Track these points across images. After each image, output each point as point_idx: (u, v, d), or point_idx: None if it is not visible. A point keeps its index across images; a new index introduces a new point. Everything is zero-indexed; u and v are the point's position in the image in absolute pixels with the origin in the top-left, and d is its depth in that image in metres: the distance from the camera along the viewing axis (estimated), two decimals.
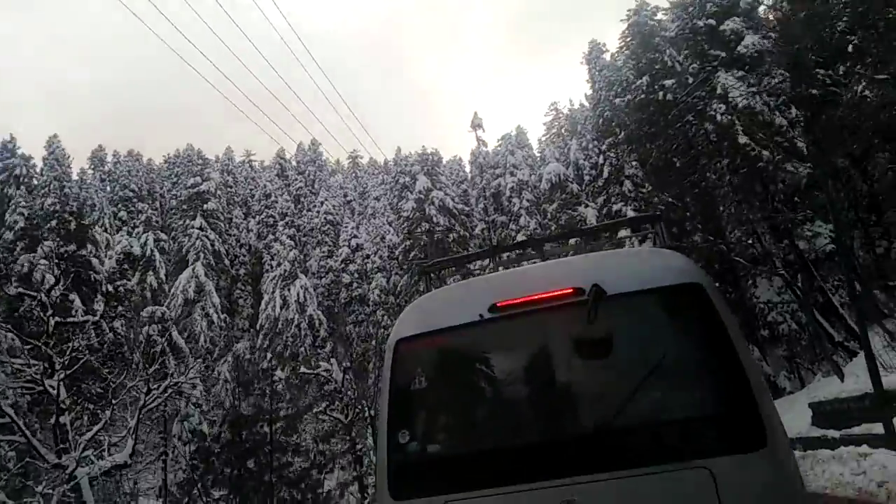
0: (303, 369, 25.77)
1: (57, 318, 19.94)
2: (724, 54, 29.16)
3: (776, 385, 27.43)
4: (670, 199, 28.90)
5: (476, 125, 57.81)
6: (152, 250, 48.22)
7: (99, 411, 20.59)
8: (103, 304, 23.72)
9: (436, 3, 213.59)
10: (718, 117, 27.70)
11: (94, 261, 29.08)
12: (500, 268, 5.78)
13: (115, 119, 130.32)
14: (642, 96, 32.64)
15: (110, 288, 28.56)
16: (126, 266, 40.12)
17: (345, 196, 73.37)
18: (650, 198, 33.39)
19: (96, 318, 22.65)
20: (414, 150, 61.01)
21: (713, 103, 28.18)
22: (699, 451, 3.12)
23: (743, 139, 26.72)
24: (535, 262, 5.35)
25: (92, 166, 73.90)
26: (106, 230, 52.33)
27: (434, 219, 49.09)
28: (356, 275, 54.32)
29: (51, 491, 15.49)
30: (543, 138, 79.98)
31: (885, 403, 13.28)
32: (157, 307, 31.45)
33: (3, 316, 23.98)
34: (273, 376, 22.06)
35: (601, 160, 40.61)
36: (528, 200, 50.49)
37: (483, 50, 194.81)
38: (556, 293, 3.51)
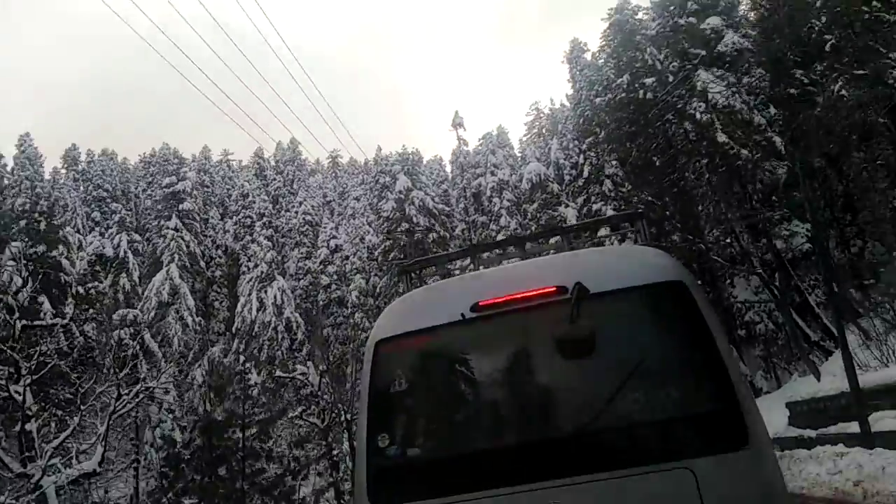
0: (278, 373, 25.33)
1: (24, 322, 19.39)
2: (703, 52, 29.26)
3: (753, 385, 27.53)
4: (650, 198, 28.93)
5: (457, 124, 57.48)
6: (126, 252, 47.36)
7: (67, 417, 20.04)
8: (73, 306, 23.05)
9: (416, 2, 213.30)
10: (698, 116, 27.76)
11: (65, 262, 28.35)
12: (481, 267, 5.59)
13: (90, 118, 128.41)
14: (623, 95, 32.62)
15: (81, 290, 27.88)
16: (98, 268, 39.29)
17: (324, 196, 72.77)
18: (630, 197, 33.44)
19: (65, 321, 22.03)
20: (394, 149, 60.74)
21: (693, 102, 28.24)
22: (681, 451, 3.10)
23: (722, 137, 26.81)
24: (515, 262, 5.25)
25: (65, 166, 72.56)
26: (78, 231, 51.36)
27: (414, 219, 48.77)
28: (335, 276, 53.83)
29: (14, 501, 14.98)
30: (524, 138, 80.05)
31: (861, 402, 13.27)
32: (129, 310, 30.81)
33: None
34: (248, 380, 21.65)
35: (581, 160, 40.61)
36: (508, 200, 50.33)
37: (464, 49, 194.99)
38: (538, 292, 3.46)
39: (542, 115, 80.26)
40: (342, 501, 20.99)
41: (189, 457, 14.58)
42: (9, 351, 17.45)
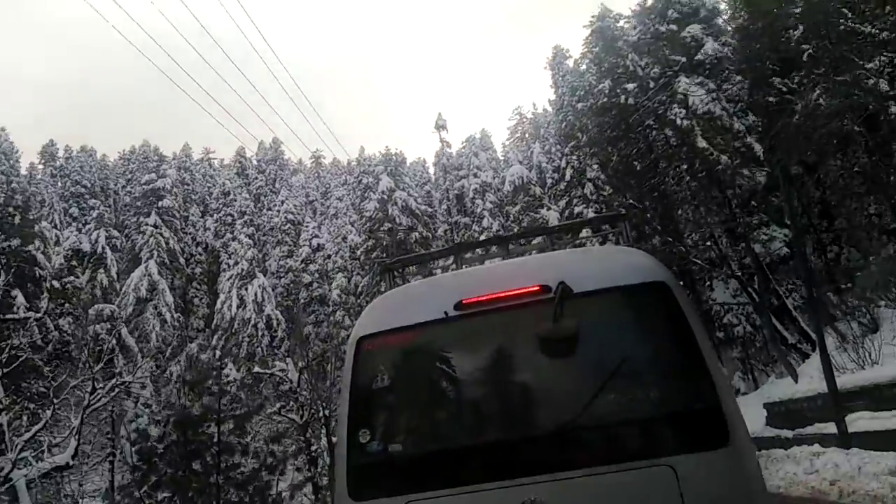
0: (257, 369, 25.16)
1: None
2: (684, 59, 29.57)
3: (730, 386, 27.82)
4: (631, 202, 29.17)
5: (440, 126, 57.56)
6: (104, 248, 46.79)
7: (40, 411, 19.70)
8: (48, 300, 22.68)
9: (401, 4, 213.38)
10: (678, 121, 28.05)
11: (40, 257, 27.89)
12: (464, 266, 5.59)
13: (68, 113, 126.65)
14: (604, 100, 32.87)
15: (57, 285, 27.45)
16: (75, 263, 38.74)
17: (307, 196, 72.50)
18: (611, 201, 33.69)
19: (39, 314, 21.66)
20: (378, 150, 60.65)
21: (673, 108, 28.53)
22: (662, 449, 3.12)
23: (702, 143, 27.11)
24: (498, 261, 5.25)
25: (42, 161, 71.59)
26: (56, 227, 50.67)
27: (397, 219, 48.73)
28: (316, 275, 53.59)
29: None
30: (507, 142, 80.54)
31: (839, 403, 13.46)
32: (105, 305, 30.41)
33: None
34: (225, 375, 21.44)
35: (564, 163, 40.84)
36: (491, 202, 50.52)
37: (448, 53, 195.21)
38: (522, 291, 3.47)
39: (524, 119, 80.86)
40: (320, 496, 20.84)
41: (162, 451, 14.38)
42: None
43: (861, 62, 21.97)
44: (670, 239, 29.11)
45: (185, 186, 67.91)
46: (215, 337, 44.11)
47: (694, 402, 3.24)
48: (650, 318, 3.51)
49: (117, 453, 24.29)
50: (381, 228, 48.61)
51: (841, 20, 23.60)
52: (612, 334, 3.49)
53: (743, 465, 3.12)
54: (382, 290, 4.97)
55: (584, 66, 41.58)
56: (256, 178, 73.85)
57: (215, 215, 61.28)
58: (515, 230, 41.77)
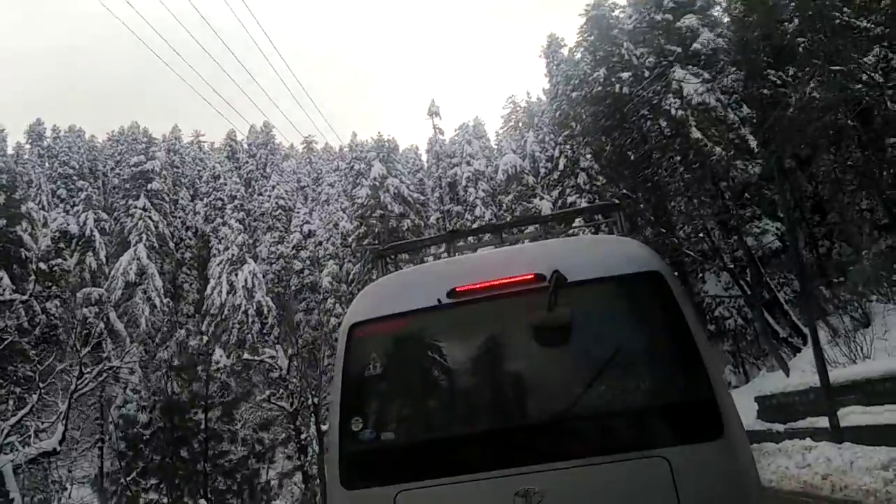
0: (246, 355, 24.98)
1: None
2: (679, 50, 29.41)
3: None
4: (624, 192, 29.09)
5: (433, 112, 57.35)
6: (92, 230, 46.34)
7: (26, 395, 19.46)
8: (34, 283, 22.34)
9: None
10: (673, 112, 27.92)
11: (27, 238, 27.47)
12: (456, 254, 5.47)
13: (55, 92, 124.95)
14: (599, 89, 32.66)
15: (44, 267, 27.05)
16: (62, 245, 38.27)
17: (298, 181, 72.05)
18: (604, 191, 33.59)
19: (25, 297, 21.35)
20: (370, 136, 60.26)
21: (668, 98, 28.39)
22: (656, 440, 3.11)
23: (696, 134, 27.00)
24: (491, 249, 5.22)
25: (29, 141, 70.65)
26: (43, 208, 50.10)
27: (389, 206, 48.53)
28: (308, 261, 53.39)
29: None
30: (501, 131, 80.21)
31: (831, 397, 13.47)
32: (93, 289, 30.10)
33: None
34: (214, 362, 21.26)
35: (557, 153, 40.75)
36: (483, 191, 50.41)
37: (442, 39, 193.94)
38: (516, 279, 3.44)
39: (518, 108, 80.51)
40: (309, 486, 20.79)
41: (148, 437, 14.22)
42: None
43: (856, 56, 21.92)
44: (663, 230, 29.08)
45: (175, 169, 67.35)
46: (205, 323, 43.90)
47: (688, 393, 3.22)
48: (644, 308, 3.49)
49: (106, 439, 24.07)
50: (373, 215, 48.43)
51: (836, 13, 23.51)
52: (607, 324, 3.47)
53: (737, 457, 3.12)
54: (374, 277, 4.89)
55: (578, 55, 41.31)
56: (247, 162, 73.29)
57: (205, 199, 60.85)
58: (508, 219, 41.71)
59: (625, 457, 3.06)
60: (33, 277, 22.59)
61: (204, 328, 42.37)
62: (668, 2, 31.50)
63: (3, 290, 23.33)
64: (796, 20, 25.81)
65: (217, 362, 25.19)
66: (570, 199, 36.60)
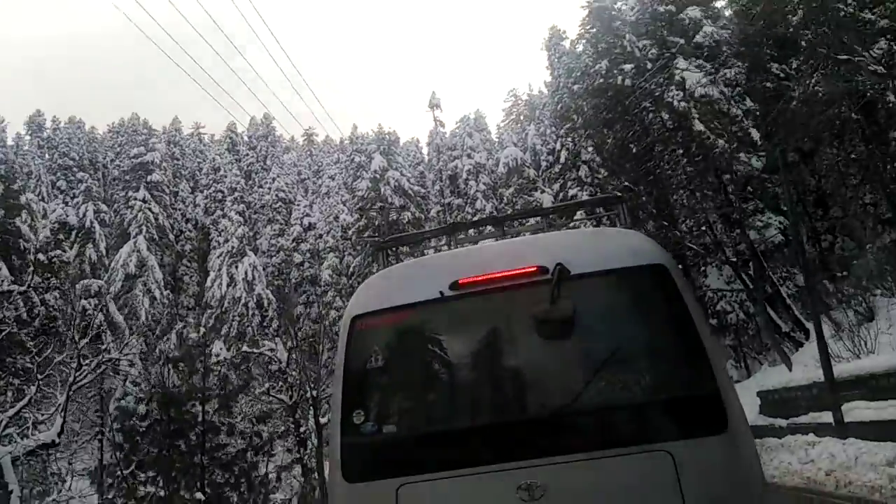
0: (245, 348, 24.93)
1: None
2: (682, 41, 29.21)
3: None
4: (626, 184, 28.93)
5: (434, 105, 57.07)
6: (92, 222, 46.24)
7: (24, 387, 19.36)
8: (32, 274, 22.25)
9: None
10: (675, 104, 27.72)
11: (25, 229, 27.37)
12: (457, 247, 5.47)
13: (56, 84, 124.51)
14: (601, 81, 32.43)
15: (43, 258, 26.95)
16: (61, 236, 38.16)
17: (298, 174, 71.88)
18: (605, 184, 33.42)
19: (23, 288, 21.25)
20: (370, 129, 60.07)
21: (671, 90, 28.19)
22: (660, 434, 3.09)
23: (699, 126, 26.82)
24: (492, 242, 5.20)
25: (29, 132, 70.46)
26: (43, 199, 49.96)
27: (389, 199, 48.40)
28: (308, 254, 53.30)
29: None
30: (502, 124, 80.00)
31: (835, 392, 13.35)
32: (93, 280, 30.00)
33: None
34: (214, 355, 21.18)
35: (558, 146, 40.54)
36: (484, 184, 50.23)
37: (443, 32, 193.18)
38: (519, 272, 3.42)
39: (519, 101, 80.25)
40: (308, 478, 20.74)
41: (145, 430, 14.15)
42: None
43: (860, 49, 21.76)
44: (665, 223, 28.94)
45: (175, 161, 67.20)
46: (205, 315, 43.85)
47: (692, 387, 3.20)
48: (648, 301, 3.47)
49: (106, 432, 24.02)
50: (373, 208, 48.30)
51: (840, 5, 23.33)
52: (610, 317, 3.45)
53: (741, 451, 3.11)
54: (374, 270, 4.85)
55: (580, 47, 41.04)
56: (247, 154, 73.11)
57: (205, 191, 60.71)
58: (509, 212, 41.57)
59: (628, 451, 3.04)
60: (31, 269, 22.48)
61: (204, 321, 42.31)
62: None
63: (2, 280, 23.25)
64: (800, 12, 25.63)
65: (217, 355, 25.13)
66: (571, 192, 36.39)
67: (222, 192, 58.79)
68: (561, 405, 3.24)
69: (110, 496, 14.86)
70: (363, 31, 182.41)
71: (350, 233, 49.79)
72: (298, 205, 58.30)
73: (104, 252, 47.47)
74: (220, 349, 30.19)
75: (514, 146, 51.65)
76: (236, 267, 46.68)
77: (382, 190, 48.52)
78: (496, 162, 51.63)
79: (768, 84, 26.56)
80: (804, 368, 18.10)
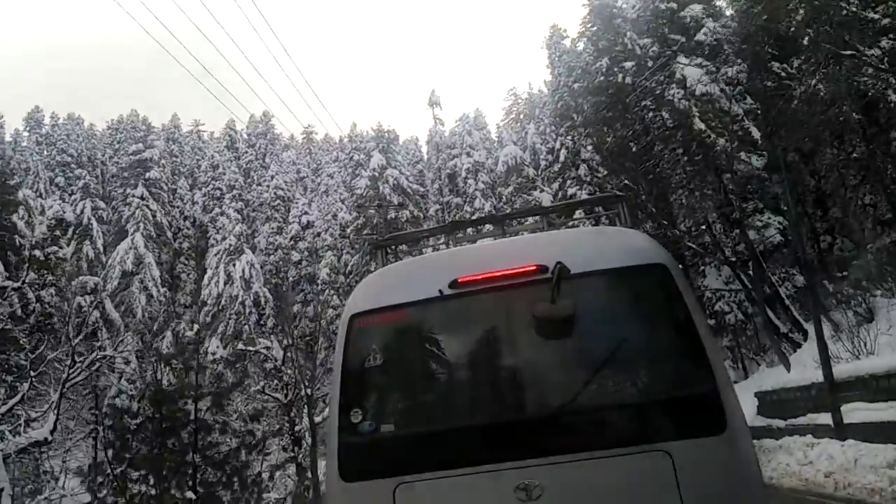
0: (240, 346, 24.83)
1: None
2: (683, 39, 29.08)
3: None
4: (626, 182, 28.81)
5: (433, 103, 56.92)
6: (90, 219, 46.10)
7: (18, 384, 19.24)
8: (27, 270, 22.13)
9: None
10: (676, 102, 27.59)
11: (21, 224, 27.21)
12: (456, 246, 5.43)
13: (55, 80, 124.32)
14: (601, 79, 32.32)
15: (39, 254, 26.78)
16: (58, 233, 38.01)
17: (297, 172, 71.74)
18: (605, 183, 33.31)
19: (18, 284, 21.12)
20: (370, 127, 59.90)
21: (671, 88, 28.06)
22: (659, 434, 3.09)
23: (699, 125, 26.68)
24: (491, 241, 5.19)
25: (27, 128, 70.30)
26: (40, 195, 49.77)
27: (388, 197, 48.28)
28: (306, 252, 53.17)
29: None
30: (502, 123, 79.91)
31: (835, 393, 13.22)
32: (89, 277, 29.84)
33: None
34: (211, 353, 21.04)
35: (558, 145, 40.45)
36: (483, 182, 50.10)
37: (443, 30, 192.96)
38: (518, 270, 3.41)
39: (519, 100, 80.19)
40: (302, 478, 20.61)
41: (136, 427, 14.01)
42: None
43: (862, 48, 21.63)
44: (664, 222, 28.81)
45: (174, 158, 67.07)
46: (202, 313, 43.70)
47: (691, 387, 3.19)
48: (648, 300, 3.47)
49: (100, 430, 23.91)
50: (372, 206, 48.18)
51: (843, 4, 23.20)
52: (610, 317, 3.45)
53: (740, 452, 3.11)
54: (372, 268, 4.78)
55: (581, 45, 40.97)
56: (246, 152, 72.97)
57: (204, 189, 60.57)
58: (508, 211, 41.40)
59: (627, 451, 3.04)
60: (26, 264, 22.36)
61: (201, 319, 42.16)
62: None
63: None
64: (802, 11, 25.50)
65: (213, 353, 24.97)
66: (570, 191, 36.33)
67: (221, 189, 58.65)
68: (560, 405, 3.24)
69: (102, 495, 14.73)
70: (363, 29, 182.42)
71: (348, 231, 49.67)
72: (297, 203, 58.17)
73: (101, 249, 47.32)
74: (217, 347, 30.04)
75: (513, 145, 51.50)
76: (234, 265, 46.55)
77: (381, 188, 48.39)
78: (495, 160, 51.51)
79: (769, 83, 26.41)
80: (803, 369, 17.98)
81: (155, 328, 34.21)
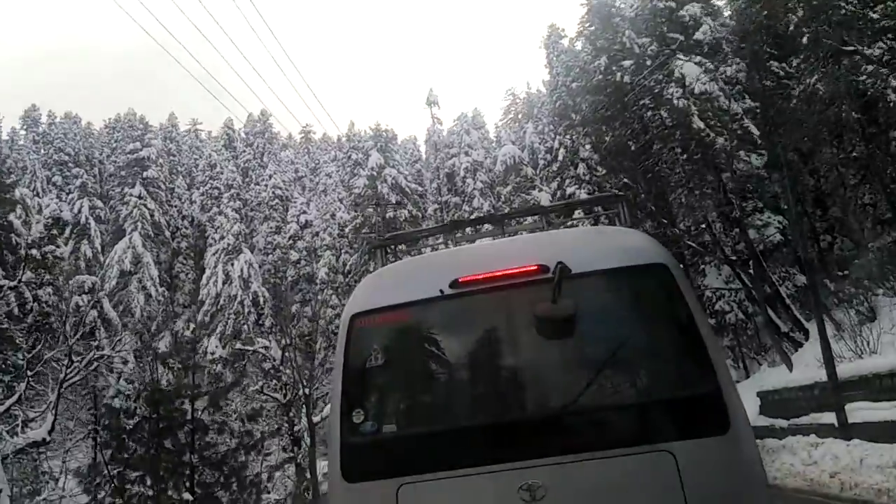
0: (239, 345, 24.74)
1: None
2: (682, 38, 29.04)
3: None
4: (625, 181, 28.77)
5: (431, 102, 56.81)
6: (87, 218, 45.93)
7: (15, 384, 19.13)
8: (23, 269, 22.04)
9: None
10: (675, 101, 27.53)
11: (16, 223, 27.07)
12: (456, 245, 5.52)
13: (52, 79, 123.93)
14: (599, 78, 32.25)
15: (36, 253, 26.65)
16: (55, 232, 37.87)
17: (295, 171, 71.58)
18: (603, 182, 33.27)
19: (13, 283, 21.01)
20: (368, 126, 59.81)
21: (670, 87, 28.01)
22: (662, 434, 3.08)
23: (698, 124, 26.63)
24: (490, 241, 5.22)
25: (24, 127, 70.00)
26: (37, 195, 49.57)
27: (386, 197, 48.18)
28: (304, 252, 53.05)
29: None
30: (500, 122, 79.79)
31: (839, 392, 13.15)
32: (86, 277, 29.72)
33: None
34: (210, 353, 20.93)
35: (556, 144, 40.36)
36: (482, 182, 49.99)
37: (441, 30, 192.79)
38: (519, 270, 3.42)
39: (517, 99, 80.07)
40: (301, 478, 20.52)
41: (132, 428, 13.90)
42: None
43: (861, 48, 21.60)
44: (664, 221, 28.77)
45: (171, 157, 66.85)
46: (200, 313, 43.58)
47: (694, 387, 3.19)
48: (650, 300, 3.47)
49: (99, 430, 23.82)
50: (370, 205, 48.09)
51: (842, 3, 23.17)
52: (611, 316, 3.45)
53: (743, 452, 3.11)
54: (371, 267, 4.75)
55: (579, 45, 40.91)
56: (244, 151, 72.76)
57: (202, 188, 60.38)
58: (507, 211, 41.29)
59: (630, 451, 3.04)
60: (23, 263, 22.25)
61: (200, 318, 42.05)
62: None
63: None
64: (801, 10, 25.47)
65: (212, 353, 24.88)
66: (569, 190, 36.25)
67: (219, 188, 58.45)
68: (562, 405, 3.24)
69: (100, 496, 14.64)
70: (361, 29, 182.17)
71: (347, 230, 49.56)
72: (295, 202, 58.04)
73: (99, 248, 47.15)
74: (216, 347, 29.91)
75: (511, 144, 51.41)
76: (232, 264, 46.42)
77: (379, 187, 48.29)
78: (494, 160, 51.41)
79: (768, 82, 26.39)
80: (804, 368, 17.94)
81: (153, 328, 34.13)
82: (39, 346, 18.32)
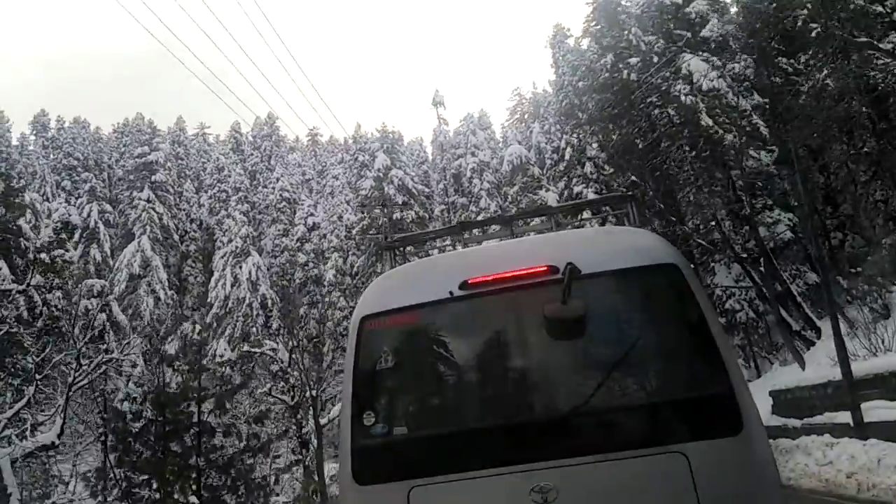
0: (246, 347, 24.77)
1: None
2: (689, 35, 28.87)
3: None
4: (633, 180, 28.59)
5: (437, 102, 56.78)
6: (96, 222, 46.15)
7: (24, 388, 19.18)
8: (32, 272, 22.13)
9: None
10: (683, 98, 27.33)
11: (25, 227, 27.22)
12: (464, 246, 5.49)
13: (61, 84, 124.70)
14: (606, 76, 32.08)
15: (45, 257, 26.79)
16: (64, 236, 38.07)
17: (303, 174, 71.75)
18: (611, 181, 33.11)
19: (22, 286, 21.10)
20: (374, 128, 59.84)
21: (677, 84, 27.82)
22: (674, 435, 3.07)
23: (706, 121, 26.43)
24: (499, 241, 5.17)
25: (34, 132, 70.46)
26: (47, 199, 49.90)
27: (393, 198, 48.19)
28: (312, 254, 53.13)
29: None
30: (506, 122, 79.68)
31: (854, 391, 12.94)
32: (95, 280, 29.81)
33: None
34: (219, 356, 20.92)
35: (563, 143, 40.22)
36: (488, 182, 49.93)
37: (447, 31, 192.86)
38: (529, 271, 3.41)
39: (524, 100, 79.95)
40: (309, 480, 20.48)
41: (138, 431, 13.87)
42: None
43: (870, 42, 21.39)
44: (672, 219, 28.58)
45: (180, 161, 67.17)
46: (209, 316, 43.69)
47: (706, 388, 3.18)
48: (660, 300, 3.45)
49: (108, 433, 23.85)
50: (377, 206, 48.11)
51: None
52: (622, 317, 3.45)
53: (756, 452, 3.09)
54: (380, 269, 4.62)
55: (585, 43, 40.79)
56: (252, 154, 73.01)
57: (210, 191, 60.60)
58: (514, 211, 41.20)
59: (642, 453, 3.02)
60: (32, 267, 22.34)
61: (208, 321, 42.15)
62: None
63: (2, 280, 23.11)
64: (809, 6, 25.27)
65: (221, 355, 24.86)
66: (576, 190, 36.12)
67: (226, 192, 58.63)
68: (573, 406, 3.23)
69: (109, 499, 14.63)
70: (367, 31, 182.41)
71: (354, 232, 49.61)
72: (302, 205, 58.15)
73: (109, 252, 47.36)
74: (225, 349, 29.91)
75: (518, 144, 51.32)
76: (240, 267, 46.54)
77: (386, 189, 48.30)
78: (500, 160, 51.34)
79: (776, 78, 26.18)
80: (817, 367, 17.73)
81: (162, 331, 34.22)
82: (48, 350, 18.34)
